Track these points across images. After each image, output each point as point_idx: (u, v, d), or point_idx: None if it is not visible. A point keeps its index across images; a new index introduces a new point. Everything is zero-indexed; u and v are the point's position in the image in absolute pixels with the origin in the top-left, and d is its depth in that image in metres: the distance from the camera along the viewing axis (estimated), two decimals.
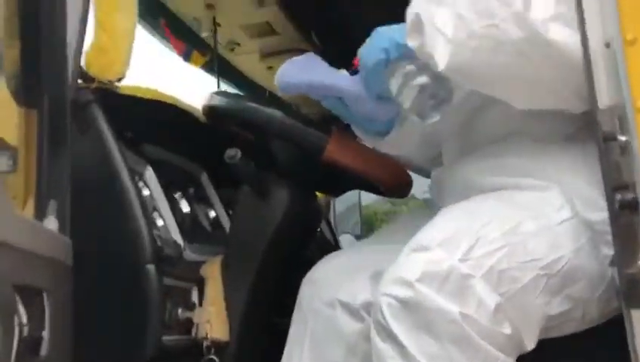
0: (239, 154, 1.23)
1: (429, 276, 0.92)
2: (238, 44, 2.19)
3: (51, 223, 1.04)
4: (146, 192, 1.34)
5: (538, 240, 0.97)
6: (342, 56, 2.49)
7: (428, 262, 0.93)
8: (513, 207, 1.03)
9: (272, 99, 2.74)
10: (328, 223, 2.22)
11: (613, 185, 0.80)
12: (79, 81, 1.22)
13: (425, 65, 1.00)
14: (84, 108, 1.20)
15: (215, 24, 1.96)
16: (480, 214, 1.02)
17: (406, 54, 1.02)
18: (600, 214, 0.92)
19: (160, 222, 1.33)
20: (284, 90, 1.20)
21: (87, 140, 1.21)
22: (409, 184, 1.41)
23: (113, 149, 1.19)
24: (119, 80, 1.24)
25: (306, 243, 1.64)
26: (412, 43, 0.99)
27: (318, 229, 2.02)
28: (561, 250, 0.97)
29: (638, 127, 0.76)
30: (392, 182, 1.34)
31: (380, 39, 1.05)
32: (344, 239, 3.41)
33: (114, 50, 1.20)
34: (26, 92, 1.09)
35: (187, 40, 2.03)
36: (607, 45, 0.81)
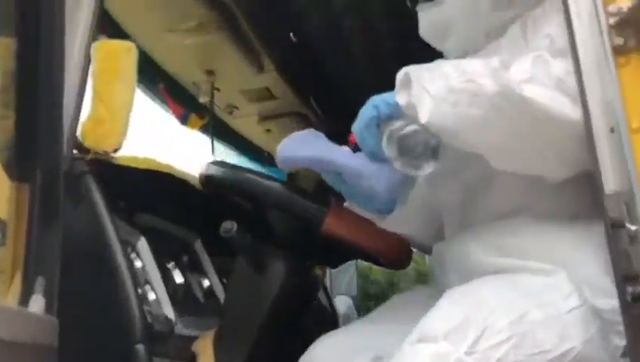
0: (235, 227, 1.20)
1: None
2: (237, 108, 2.20)
3: (38, 302, 1.00)
4: (138, 264, 1.31)
5: (546, 331, 0.92)
6: (339, 120, 2.52)
7: (434, 356, 0.89)
8: (520, 293, 0.99)
9: (272, 161, 2.74)
10: (324, 288, 2.16)
11: (623, 274, 0.77)
12: (74, 151, 1.21)
13: (413, 120, 1.01)
14: (78, 180, 1.18)
15: (214, 89, 1.97)
16: (486, 301, 0.97)
17: (396, 114, 1.04)
18: (609, 302, 0.88)
19: (152, 296, 1.29)
20: (284, 165, 1.19)
21: (80, 212, 1.18)
22: (409, 256, 1.38)
23: (106, 223, 1.16)
24: (115, 151, 1.22)
25: (303, 314, 1.59)
26: (400, 100, 1.01)
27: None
28: (570, 340, 0.93)
29: None
30: (392, 255, 1.31)
31: (372, 100, 1.07)
32: (340, 300, 3.34)
33: (111, 121, 1.19)
34: (18, 165, 1.07)
35: (185, 104, 2.03)
36: (612, 130, 0.80)
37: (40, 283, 1.02)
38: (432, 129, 0.99)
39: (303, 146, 1.17)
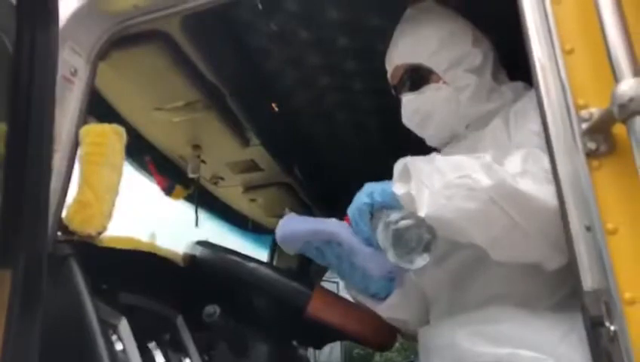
0: (218, 311, 1.20)
1: None
2: (222, 178, 2.22)
3: None
4: (119, 347, 1.28)
5: None
6: (323, 189, 2.54)
7: None
8: None
9: (256, 229, 2.74)
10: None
11: None
12: (59, 233, 1.20)
13: (409, 213, 1.04)
14: (61, 263, 1.17)
15: (200, 161, 1.99)
16: None
17: (390, 203, 1.08)
18: None
19: None
20: (286, 241, 1.21)
21: (62, 294, 1.17)
22: (394, 338, 1.37)
23: (87, 307, 1.14)
24: (99, 233, 1.22)
25: None
26: (398, 191, 1.05)
27: None
28: None
29: (627, 320, 0.75)
30: (377, 338, 1.31)
31: (367, 187, 1.13)
32: None
33: (97, 205, 1.19)
34: (2, 250, 1.07)
35: (171, 176, 2.04)
36: (588, 229, 0.82)
37: None
38: (431, 222, 1.02)
39: (303, 223, 1.21)
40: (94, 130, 1.24)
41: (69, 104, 1.25)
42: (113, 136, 1.25)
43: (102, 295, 1.28)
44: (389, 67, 1.42)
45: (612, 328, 0.77)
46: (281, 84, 1.84)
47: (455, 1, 1.43)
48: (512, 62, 1.30)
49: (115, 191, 1.23)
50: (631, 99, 0.72)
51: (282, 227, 1.23)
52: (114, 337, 1.29)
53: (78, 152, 1.23)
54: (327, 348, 3.91)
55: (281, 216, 2.73)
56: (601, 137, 0.82)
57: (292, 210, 2.56)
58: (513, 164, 1.00)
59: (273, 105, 1.95)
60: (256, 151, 2.03)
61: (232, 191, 2.36)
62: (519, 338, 1.04)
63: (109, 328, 1.28)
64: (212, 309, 1.20)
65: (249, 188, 2.32)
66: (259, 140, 1.93)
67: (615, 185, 0.80)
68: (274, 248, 2.95)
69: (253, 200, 2.40)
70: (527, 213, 0.97)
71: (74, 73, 1.27)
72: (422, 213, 1.01)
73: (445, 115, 1.31)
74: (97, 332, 1.14)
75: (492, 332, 1.09)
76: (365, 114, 2.03)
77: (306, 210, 2.59)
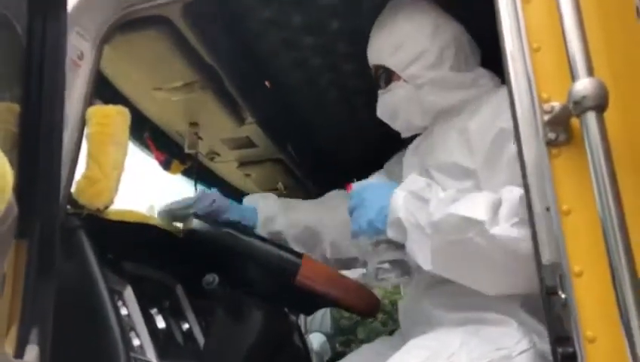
0: (217, 279, 1.30)
1: None
2: (218, 154, 2.30)
3: (32, 351, 1.08)
4: (124, 312, 1.39)
5: None
6: (315, 165, 2.63)
7: None
8: (479, 340, 1.14)
9: None
10: (298, 329, 2.25)
11: (556, 336, 0.89)
12: (68, 207, 1.30)
13: (396, 244, 1.16)
14: (71, 235, 1.27)
15: (197, 138, 2.07)
16: (450, 344, 1.12)
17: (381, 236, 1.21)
18: None
19: (136, 342, 1.37)
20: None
21: (72, 265, 1.27)
22: (377, 306, 1.49)
23: (96, 275, 1.25)
24: (106, 207, 1.32)
25: (280, 355, 1.68)
26: (392, 235, 1.18)
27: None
28: None
29: (575, 290, 0.86)
30: (360, 305, 1.42)
31: (367, 213, 1.22)
32: (314, 337, 3.41)
33: (104, 181, 1.28)
34: (18, 221, 1.16)
35: (169, 152, 2.13)
36: (547, 209, 0.93)
37: (34, 333, 1.10)
38: (434, 271, 1.15)
39: None
40: (100, 111, 1.32)
41: (76, 86, 1.33)
42: (118, 117, 1.33)
43: (108, 264, 1.38)
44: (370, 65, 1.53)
45: (563, 296, 0.88)
46: (275, 65, 1.91)
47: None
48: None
49: (120, 168, 1.32)
50: (584, 97, 0.82)
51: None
52: (119, 303, 1.40)
53: (85, 132, 1.32)
54: (317, 318, 4.05)
55: (274, 191, 2.84)
56: (561, 128, 0.91)
57: (285, 184, 2.67)
58: (509, 215, 1.08)
59: (267, 85, 2.03)
60: (251, 129, 2.11)
61: (227, 166, 2.45)
62: (486, 304, 1.17)
63: (115, 294, 1.39)
64: (211, 278, 1.30)
65: (244, 163, 2.41)
66: (254, 119, 2.00)
67: (571, 171, 0.90)
68: None
69: (247, 175, 2.49)
70: (513, 260, 1.07)
71: (81, 57, 1.35)
72: (426, 268, 1.13)
73: (408, 111, 1.42)
74: (106, 298, 1.24)
75: (462, 301, 1.21)
76: (356, 94, 2.11)
77: (298, 184, 2.69)
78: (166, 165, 2.18)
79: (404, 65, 1.41)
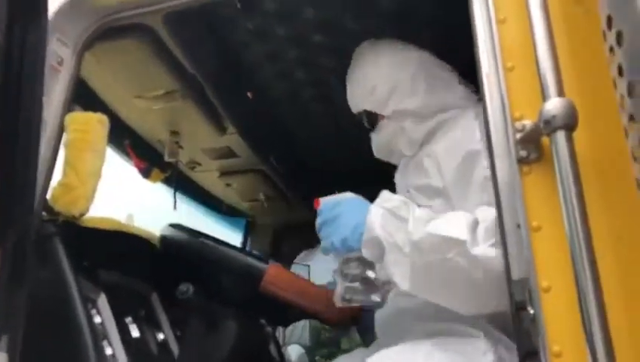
0: (191, 289, 1.30)
1: None
2: (199, 164, 2.30)
3: (1, 359, 1.07)
4: (97, 320, 1.38)
5: None
6: (297, 177, 2.63)
7: None
8: (446, 352, 1.15)
9: (230, 212, 2.84)
10: (275, 340, 2.24)
11: (525, 351, 0.90)
12: (43, 213, 1.29)
13: (366, 262, 1.17)
14: (46, 241, 1.26)
15: (178, 147, 2.07)
16: (417, 357, 1.12)
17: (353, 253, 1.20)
18: None
19: (109, 351, 1.35)
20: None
21: (46, 272, 1.25)
22: (348, 316, 1.50)
23: (70, 283, 1.23)
24: (82, 215, 1.31)
25: None
26: (367, 254, 1.17)
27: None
28: None
29: (543, 305, 0.87)
30: (329, 315, 1.42)
31: (340, 230, 1.20)
32: (292, 349, 3.39)
33: (81, 188, 1.28)
34: None
35: (149, 160, 2.12)
36: (518, 226, 0.94)
37: (4, 341, 1.09)
38: (412, 292, 1.13)
39: None
40: (79, 118, 1.32)
41: (55, 92, 1.33)
42: (97, 124, 1.33)
43: (83, 271, 1.37)
44: None
45: (532, 311, 0.89)
46: (258, 76, 1.93)
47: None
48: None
49: (97, 175, 1.32)
50: (554, 117, 0.84)
51: None
52: (93, 311, 1.39)
53: (63, 138, 1.31)
54: (297, 330, 4.04)
55: (255, 201, 2.83)
56: (532, 146, 0.93)
57: (266, 195, 2.68)
58: (486, 236, 1.08)
59: (249, 96, 2.04)
60: (233, 139, 2.11)
61: (208, 176, 2.45)
62: (453, 316, 1.17)
63: (89, 302, 1.38)
64: (185, 287, 1.30)
65: (225, 173, 2.41)
66: (235, 129, 2.01)
67: (541, 188, 0.92)
68: (247, 231, 3.06)
69: (228, 184, 2.49)
70: (492, 280, 1.05)
71: (60, 63, 1.35)
72: (404, 288, 1.12)
73: (400, 145, 1.46)
74: (79, 306, 1.23)
75: (431, 312, 1.21)
76: (340, 107, 2.13)
77: (280, 195, 2.70)
78: (146, 173, 2.17)
79: (382, 104, 1.47)
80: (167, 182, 2.34)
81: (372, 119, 1.52)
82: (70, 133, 1.30)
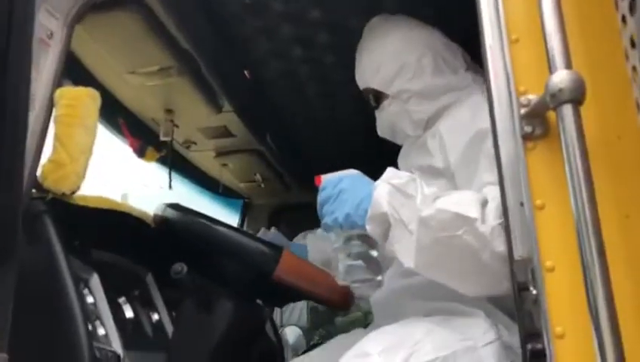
0: (185, 269, 1.27)
1: None
2: (195, 143, 2.27)
3: None
4: (90, 300, 1.35)
5: (465, 358, 1.08)
6: (295, 157, 2.61)
7: None
8: (446, 330, 1.13)
9: (227, 192, 2.81)
10: (272, 321, 2.23)
11: (527, 333, 0.88)
12: (33, 191, 1.25)
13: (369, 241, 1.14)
14: (35, 219, 1.22)
15: (173, 125, 2.03)
16: (415, 332, 1.10)
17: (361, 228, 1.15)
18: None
19: (101, 331, 1.33)
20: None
21: (36, 250, 1.22)
22: (352, 300, 1.47)
23: (61, 261, 1.20)
24: (73, 192, 1.27)
25: (251, 347, 1.66)
26: (371, 230, 1.12)
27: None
28: None
29: (546, 285, 0.84)
30: (337, 301, 1.40)
31: (343, 206, 1.15)
32: (290, 331, 3.39)
33: (70, 165, 1.24)
34: None
35: (144, 139, 2.08)
36: (522, 204, 0.91)
37: None
38: (417, 270, 1.10)
39: None
40: (69, 93, 1.28)
41: (44, 66, 1.29)
42: (87, 100, 1.29)
43: (75, 251, 1.34)
44: None
45: (534, 292, 0.87)
46: (255, 53, 1.88)
47: None
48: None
49: (88, 152, 1.28)
50: (560, 90, 0.80)
51: None
52: (85, 291, 1.36)
53: (53, 114, 1.27)
54: (294, 311, 4.04)
55: (252, 182, 2.80)
56: (537, 121, 0.90)
57: (263, 176, 2.65)
58: (495, 215, 1.05)
59: (246, 73, 2.00)
60: (229, 118, 2.07)
61: (204, 156, 2.42)
62: (454, 295, 1.15)
63: (80, 282, 1.35)
64: (179, 267, 1.27)
65: (221, 153, 2.38)
66: (231, 107, 1.97)
67: (545, 165, 0.89)
68: (244, 212, 3.03)
69: (224, 165, 2.46)
70: (498, 261, 1.03)
71: (50, 36, 1.30)
72: (409, 265, 1.09)
73: (403, 125, 1.44)
74: (69, 285, 1.20)
75: (431, 292, 1.19)
76: (336, 86, 2.09)
77: (276, 175, 2.66)
78: (140, 152, 2.13)
79: (388, 83, 1.46)
80: (163, 161, 2.30)
81: (377, 97, 1.50)
82: (60, 109, 1.26)
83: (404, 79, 1.43)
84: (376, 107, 1.52)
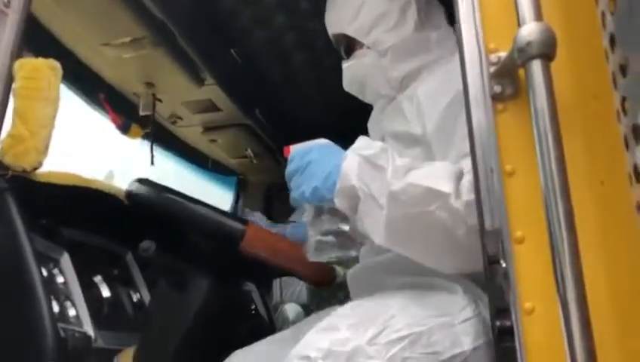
0: (153, 246, 1.22)
1: (334, 355, 0.95)
2: (180, 118, 2.21)
3: None
4: (60, 280, 1.32)
5: (440, 335, 1.01)
6: (285, 131, 2.54)
7: (334, 342, 0.96)
8: (421, 305, 1.07)
9: (217, 168, 2.75)
10: (263, 299, 2.19)
11: (497, 308, 0.82)
12: None
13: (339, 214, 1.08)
14: None
15: (156, 99, 1.97)
16: (389, 307, 1.05)
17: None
18: None
19: (72, 312, 1.30)
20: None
21: None
22: (331, 277, 1.42)
23: (23, 240, 1.16)
24: (35, 169, 1.23)
25: (233, 325, 1.62)
26: (340, 204, 1.06)
27: (252, 307, 2.00)
28: (460, 346, 1.02)
29: (515, 257, 0.78)
30: (310, 274, 1.35)
31: (311, 179, 1.09)
32: (289, 308, 3.37)
33: (31, 140, 1.19)
34: None
35: (127, 114, 2.02)
36: (491, 171, 0.85)
37: None
38: (387, 246, 1.05)
39: None
40: (28, 65, 1.22)
41: (2, 37, 1.23)
42: (47, 71, 1.23)
43: (42, 230, 1.30)
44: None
45: (504, 265, 0.81)
46: (235, 22, 1.81)
47: None
48: None
49: (50, 126, 1.23)
50: (529, 44, 0.73)
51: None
52: (55, 270, 1.33)
53: (13, 87, 1.22)
54: (294, 288, 4.01)
55: (244, 158, 2.73)
56: (507, 80, 0.83)
57: (254, 152, 2.58)
58: (468, 192, 0.98)
59: (228, 47, 1.93)
60: (213, 91, 2.01)
61: (191, 131, 2.36)
62: (431, 270, 1.08)
63: (50, 262, 1.31)
64: (147, 244, 1.22)
65: (208, 128, 2.32)
66: (213, 80, 1.91)
67: (515, 128, 0.82)
68: (238, 189, 2.98)
69: (213, 140, 2.40)
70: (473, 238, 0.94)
71: (7, 4, 1.24)
72: (378, 241, 1.04)
73: (375, 80, 1.32)
74: (32, 264, 1.16)
75: (408, 266, 1.13)
76: (322, 54, 2.01)
77: (267, 151, 2.60)
78: (124, 129, 2.07)
79: (365, 31, 1.31)
80: (149, 137, 2.25)
81: (349, 47, 1.37)
82: (18, 81, 1.20)
83: (383, 28, 1.30)
84: (346, 58, 1.38)
